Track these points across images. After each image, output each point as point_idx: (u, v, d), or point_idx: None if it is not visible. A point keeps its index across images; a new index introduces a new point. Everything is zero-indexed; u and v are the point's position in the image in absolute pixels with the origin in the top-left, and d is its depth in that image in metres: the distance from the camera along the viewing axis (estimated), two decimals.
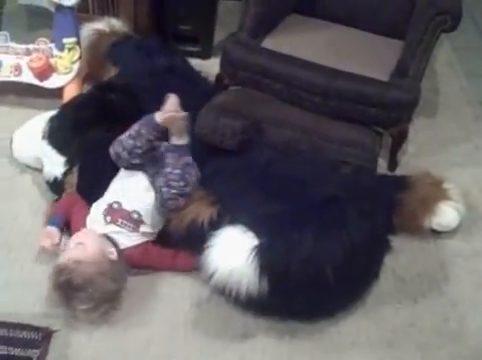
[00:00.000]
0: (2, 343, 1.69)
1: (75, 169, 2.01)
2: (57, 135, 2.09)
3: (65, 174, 2.03)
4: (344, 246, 1.75)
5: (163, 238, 1.96)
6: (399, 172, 2.33)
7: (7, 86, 2.54)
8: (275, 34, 2.48)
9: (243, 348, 1.76)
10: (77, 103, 2.21)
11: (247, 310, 1.83)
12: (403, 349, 1.79)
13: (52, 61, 2.43)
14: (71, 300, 1.70)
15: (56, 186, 2.07)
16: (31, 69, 2.41)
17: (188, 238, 1.87)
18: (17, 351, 1.68)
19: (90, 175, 2.03)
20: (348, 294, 1.86)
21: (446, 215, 2.06)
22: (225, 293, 1.73)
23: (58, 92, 2.46)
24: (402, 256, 2.03)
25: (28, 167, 2.23)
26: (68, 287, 1.68)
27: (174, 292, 1.89)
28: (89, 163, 2.00)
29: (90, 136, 2.04)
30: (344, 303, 1.87)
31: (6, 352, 1.67)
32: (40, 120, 2.17)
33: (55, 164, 2.04)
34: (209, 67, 2.59)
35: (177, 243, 1.91)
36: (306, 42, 2.43)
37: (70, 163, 2.03)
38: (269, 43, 2.40)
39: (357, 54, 2.38)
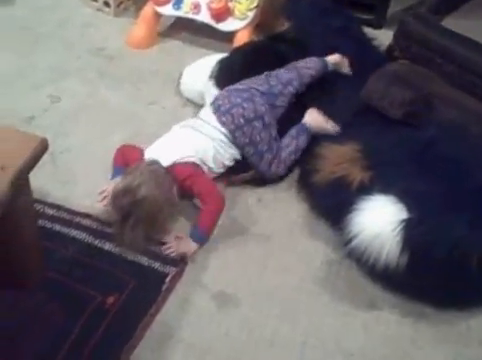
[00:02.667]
0: (146, 255, 1.80)
1: None
2: (224, 76, 2.17)
3: None
4: None
5: (303, 185, 2.01)
6: None
7: (183, 22, 2.66)
8: (457, 14, 2.40)
9: (367, 317, 1.75)
10: (248, 49, 2.27)
11: (376, 281, 1.81)
12: None
13: (231, 5, 2.49)
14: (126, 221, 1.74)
15: None
16: (210, 9, 2.49)
17: (329, 193, 1.89)
18: (157, 265, 1.79)
19: None
20: None
21: None
22: (362, 258, 1.72)
23: (229, 36, 2.54)
24: None
25: (190, 101, 2.34)
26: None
27: (310, 246, 1.91)
28: None
29: None
30: (479, 299, 1.80)
31: (147, 264, 1.79)
32: (211, 60, 2.25)
33: None
34: (379, 37, 2.54)
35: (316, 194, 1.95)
36: None
37: None
38: (450, 22, 2.32)
39: None
